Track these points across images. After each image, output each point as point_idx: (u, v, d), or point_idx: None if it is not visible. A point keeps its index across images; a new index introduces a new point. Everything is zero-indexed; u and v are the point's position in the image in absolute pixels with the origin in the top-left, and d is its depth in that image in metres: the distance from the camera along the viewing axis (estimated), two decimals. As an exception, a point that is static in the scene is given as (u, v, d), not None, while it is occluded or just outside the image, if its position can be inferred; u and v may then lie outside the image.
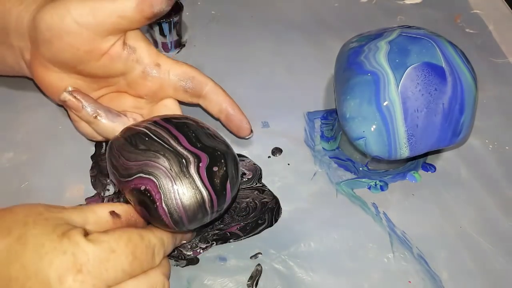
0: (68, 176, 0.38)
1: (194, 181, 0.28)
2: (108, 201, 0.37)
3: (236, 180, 0.31)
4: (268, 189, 0.38)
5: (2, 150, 0.39)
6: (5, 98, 0.43)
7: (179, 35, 0.48)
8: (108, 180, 0.38)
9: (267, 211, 0.37)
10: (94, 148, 0.40)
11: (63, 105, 0.38)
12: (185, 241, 0.34)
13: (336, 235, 0.36)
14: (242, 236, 0.36)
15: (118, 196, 0.37)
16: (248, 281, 0.33)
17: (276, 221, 0.37)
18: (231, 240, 0.35)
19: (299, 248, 0.35)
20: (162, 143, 0.29)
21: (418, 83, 0.34)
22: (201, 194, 0.28)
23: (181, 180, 0.28)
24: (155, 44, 0.48)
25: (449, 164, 0.41)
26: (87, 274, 0.24)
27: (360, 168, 0.40)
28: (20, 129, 0.41)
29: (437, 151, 0.42)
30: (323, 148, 0.41)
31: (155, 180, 0.28)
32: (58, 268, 0.23)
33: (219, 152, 0.30)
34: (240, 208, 0.37)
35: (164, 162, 0.28)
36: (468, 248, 0.36)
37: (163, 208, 0.28)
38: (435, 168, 0.41)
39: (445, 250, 0.36)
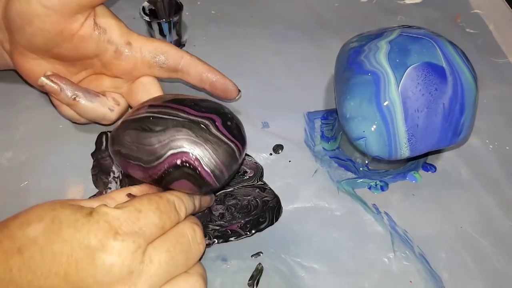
0: (68, 175, 0.38)
1: (220, 138, 0.30)
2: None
3: (243, 127, 0.33)
4: (269, 187, 0.38)
5: (2, 150, 0.39)
6: (5, 98, 0.43)
7: (179, 35, 0.48)
8: (110, 178, 0.38)
9: (268, 210, 0.37)
10: (94, 146, 0.40)
11: (45, 92, 0.39)
12: (205, 206, 0.35)
13: (337, 235, 0.36)
14: (243, 234, 0.36)
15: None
16: (249, 280, 0.33)
17: (277, 219, 0.37)
18: (232, 238, 0.35)
19: (300, 248, 0.35)
20: (175, 118, 0.30)
21: (418, 83, 0.34)
22: (230, 147, 0.31)
23: (210, 141, 0.30)
24: (155, 44, 0.48)
25: (450, 164, 0.41)
26: (124, 235, 0.25)
27: (361, 168, 0.40)
28: (20, 128, 0.41)
29: (438, 151, 0.42)
30: (323, 148, 0.41)
31: (188, 150, 0.29)
32: (97, 234, 0.25)
33: (222, 110, 0.32)
34: (242, 206, 0.37)
35: (188, 132, 0.30)
36: (469, 248, 0.36)
37: (205, 170, 0.30)
38: (435, 168, 0.41)
39: (446, 250, 0.36)
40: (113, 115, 0.39)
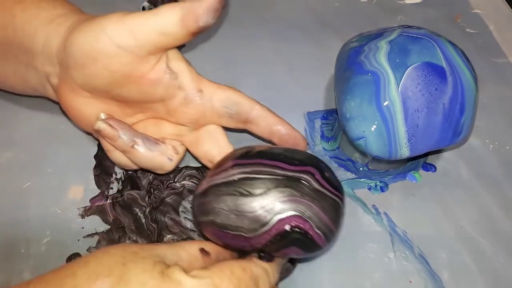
0: (70, 176, 0.38)
1: (324, 193, 0.28)
2: (112, 199, 0.37)
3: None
4: None
5: (2, 150, 0.39)
6: (6, 98, 0.43)
7: (179, 35, 0.48)
8: (112, 179, 0.38)
9: None
10: (96, 147, 0.40)
11: (93, 134, 0.36)
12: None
13: (337, 235, 0.36)
14: None
15: (121, 194, 0.37)
16: None
17: None
18: None
19: (300, 248, 0.35)
20: (272, 177, 0.27)
21: (418, 83, 0.34)
22: (335, 201, 0.28)
23: (315, 199, 0.27)
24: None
25: (450, 164, 0.41)
26: None
27: (361, 168, 0.40)
28: (21, 128, 0.41)
29: (438, 151, 0.42)
30: (323, 148, 0.41)
31: (297, 213, 0.27)
32: None
33: (314, 159, 0.30)
34: None
35: (291, 192, 0.27)
36: (469, 248, 0.36)
37: (316, 233, 0.27)
38: (435, 168, 0.41)
39: (446, 250, 0.36)
40: (171, 165, 0.35)
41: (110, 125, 0.32)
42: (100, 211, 0.36)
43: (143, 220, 0.36)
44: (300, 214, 0.27)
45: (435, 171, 0.41)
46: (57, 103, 0.37)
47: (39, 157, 0.39)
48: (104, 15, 0.31)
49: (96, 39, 0.30)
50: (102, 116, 0.33)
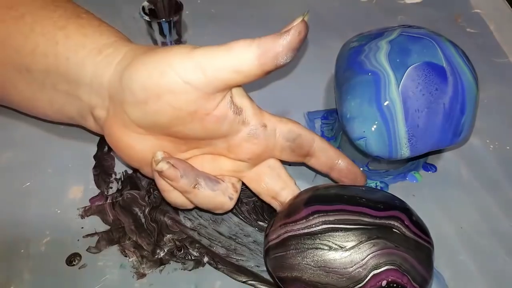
0: (70, 176, 0.38)
1: (417, 241, 0.26)
2: (112, 199, 0.37)
3: None
4: None
5: (2, 150, 0.39)
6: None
7: (179, 34, 0.48)
8: (112, 179, 0.38)
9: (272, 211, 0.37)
10: (96, 147, 0.40)
11: (139, 170, 0.34)
12: None
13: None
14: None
15: (121, 194, 0.37)
16: None
17: None
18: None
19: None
20: (361, 227, 0.26)
21: (419, 83, 0.34)
22: (427, 247, 0.27)
23: (410, 249, 0.26)
24: (155, 44, 0.48)
25: (450, 164, 0.41)
26: None
27: (361, 169, 0.40)
28: (21, 128, 0.41)
29: (438, 151, 0.42)
30: (324, 148, 0.41)
31: (393, 267, 0.25)
32: None
33: (397, 201, 0.28)
34: (249, 210, 0.37)
35: (385, 243, 0.25)
36: (469, 248, 0.36)
37: (414, 286, 0.26)
38: (436, 168, 0.41)
39: (446, 251, 0.35)
40: (231, 204, 0.33)
41: (172, 165, 0.30)
42: (100, 211, 0.36)
43: (143, 220, 0.36)
44: (397, 268, 0.25)
45: (435, 171, 0.41)
46: (93, 133, 0.35)
47: (39, 157, 0.39)
48: (167, 48, 0.29)
49: (162, 74, 0.28)
50: (160, 155, 0.31)
